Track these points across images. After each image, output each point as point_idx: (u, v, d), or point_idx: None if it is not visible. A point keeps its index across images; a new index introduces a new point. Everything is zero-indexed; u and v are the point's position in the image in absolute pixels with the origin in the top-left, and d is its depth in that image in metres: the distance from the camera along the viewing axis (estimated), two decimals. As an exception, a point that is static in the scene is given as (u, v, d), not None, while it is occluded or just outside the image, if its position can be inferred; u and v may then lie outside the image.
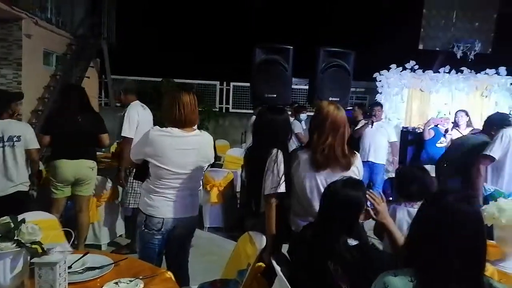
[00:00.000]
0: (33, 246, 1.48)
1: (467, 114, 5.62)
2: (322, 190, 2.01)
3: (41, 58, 8.37)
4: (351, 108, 8.08)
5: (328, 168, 2.13)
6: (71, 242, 1.86)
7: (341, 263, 1.71)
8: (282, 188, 2.25)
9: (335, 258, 1.72)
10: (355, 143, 5.87)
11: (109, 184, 4.03)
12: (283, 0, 12.06)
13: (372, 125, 5.53)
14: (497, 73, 6.98)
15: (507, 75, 6.96)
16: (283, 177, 2.25)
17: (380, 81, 7.00)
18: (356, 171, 2.19)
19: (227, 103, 9.46)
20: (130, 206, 3.84)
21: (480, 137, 3.66)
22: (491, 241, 2.16)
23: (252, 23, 12.01)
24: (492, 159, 3.20)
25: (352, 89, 8.85)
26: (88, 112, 3.63)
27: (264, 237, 2.17)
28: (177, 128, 2.32)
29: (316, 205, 2.04)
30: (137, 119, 3.74)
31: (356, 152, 2.26)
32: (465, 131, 5.47)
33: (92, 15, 9.53)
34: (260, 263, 2.03)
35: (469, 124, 5.64)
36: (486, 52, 7.17)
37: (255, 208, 2.42)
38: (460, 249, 1.15)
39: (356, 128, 5.64)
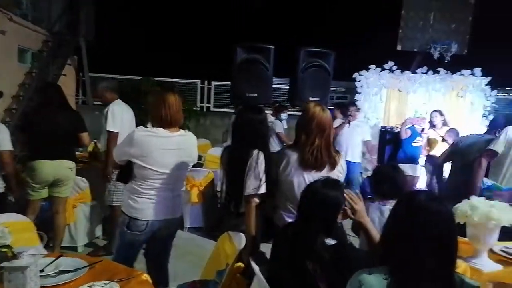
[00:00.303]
0: (3, 250, 1.44)
1: (441, 114, 5.77)
2: None
3: (16, 55, 8.12)
4: (332, 107, 8.19)
5: (316, 168, 2.24)
6: (44, 244, 1.81)
7: (319, 263, 1.72)
8: (263, 189, 2.30)
9: (313, 258, 1.73)
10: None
11: (85, 184, 3.95)
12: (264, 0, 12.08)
13: (349, 124, 5.62)
14: (473, 74, 7.17)
15: (482, 76, 7.16)
16: (264, 178, 2.30)
17: (359, 81, 7.09)
18: (341, 169, 2.33)
19: (208, 102, 9.39)
20: (113, 204, 3.75)
21: (485, 137, 3.67)
22: (464, 238, 2.22)
23: (233, 22, 11.98)
24: (495, 153, 3.23)
25: (333, 89, 8.98)
26: (66, 111, 3.54)
27: (243, 237, 2.17)
28: (162, 128, 2.31)
29: None
30: (121, 115, 3.70)
31: (340, 152, 2.37)
32: (441, 130, 5.62)
33: (70, 11, 9.29)
34: (239, 263, 2.03)
35: (444, 123, 5.79)
36: (462, 54, 7.36)
37: (234, 209, 2.42)
38: (432, 248, 1.18)
39: (335, 127, 5.71)
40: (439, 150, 5.50)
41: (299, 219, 1.91)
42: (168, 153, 2.32)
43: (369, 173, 6.27)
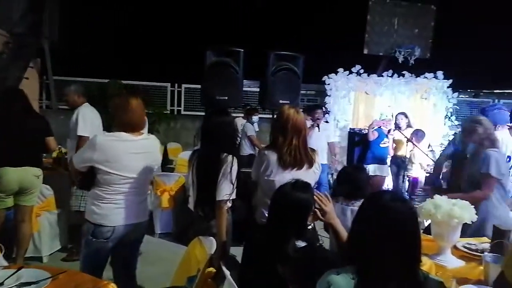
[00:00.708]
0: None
1: (406, 116, 5.97)
2: None
3: (-27, 57, 7.70)
4: (302, 110, 8.28)
5: (296, 166, 2.36)
6: (1, 255, 1.72)
7: (290, 265, 1.73)
8: (234, 195, 2.39)
9: (284, 261, 1.74)
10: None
11: (50, 192, 3.80)
12: (234, 3, 12.09)
13: (319, 128, 5.74)
14: (435, 77, 7.47)
15: (444, 78, 7.47)
16: (235, 184, 2.37)
17: (328, 84, 7.22)
18: (318, 166, 2.47)
19: (179, 105, 9.27)
20: (83, 210, 3.63)
21: None
22: (429, 235, 2.30)
23: (204, 25, 11.92)
24: None
25: (303, 92, 9.11)
26: (31, 115, 3.41)
27: (214, 241, 2.16)
28: (124, 132, 2.27)
29: None
30: (92, 119, 3.64)
31: (315, 150, 2.51)
32: (405, 132, 5.80)
33: (33, 12, 8.91)
34: (211, 268, 2.01)
35: (409, 125, 5.99)
36: (425, 57, 7.65)
37: (204, 213, 2.41)
38: (397, 246, 1.21)
39: None
40: (403, 150, 5.69)
41: (269, 222, 1.92)
42: (135, 157, 2.29)
43: (340, 175, 6.41)
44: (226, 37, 10.28)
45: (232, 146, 2.43)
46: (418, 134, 5.63)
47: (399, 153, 5.83)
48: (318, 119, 5.79)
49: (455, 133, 6.63)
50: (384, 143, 5.84)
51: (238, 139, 6.32)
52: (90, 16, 11.57)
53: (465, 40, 11.28)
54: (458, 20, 10.43)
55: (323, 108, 6.54)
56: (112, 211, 2.26)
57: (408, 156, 5.64)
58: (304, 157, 2.37)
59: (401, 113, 6.08)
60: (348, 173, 2.62)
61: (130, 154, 2.27)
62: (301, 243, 1.81)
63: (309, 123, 5.84)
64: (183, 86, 9.16)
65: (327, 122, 6.82)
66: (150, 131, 7.82)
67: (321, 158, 5.79)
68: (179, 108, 9.26)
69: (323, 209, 1.89)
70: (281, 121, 2.38)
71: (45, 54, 8.79)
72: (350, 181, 2.51)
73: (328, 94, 7.24)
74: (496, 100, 9.61)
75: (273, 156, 2.37)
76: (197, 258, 2.19)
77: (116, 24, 12.22)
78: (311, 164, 2.40)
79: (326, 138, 5.96)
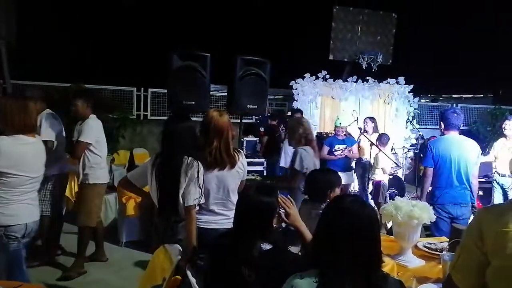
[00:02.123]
0: None
1: (372, 121, 6.13)
2: (215, 185, 2.42)
3: None
4: (270, 114, 8.34)
5: (218, 167, 2.43)
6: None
7: (255, 269, 1.72)
8: (203, 199, 2.37)
9: (249, 264, 1.73)
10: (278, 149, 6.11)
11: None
12: (201, 8, 12.05)
13: None
14: (397, 83, 7.77)
15: (405, 84, 7.78)
16: (203, 188, 2.35)
17: (296, 89, 7.33)
18: (242, 166, 2.54)
19: (145, 110, 9.06)
20: (43, 215, 3.49)
21: None
22: (392, 236, 2.38)
23: (170, 29, 11.78)
24: None
25: (271, 96, 9.19)
26: None
27: (180, 249, 2.12)
28: (22, 135, 2.37)
29: (211, 198, 2.42)
30: (55, 125, 3.62)
31: (241, 151, 2.62)
32: (372, 136, 5.96)
33: (-13, 12, 8.47)
34: (176, 276, 1.97)
35: (375, 129, 6.15)
36: (387, 64, 7.94)
37: (168, 220, 2.37)
38: (356, 248, 1.23)
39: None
40: (368, 154, 5.82)
41: (235, 226, 1.91)
42: (35, 158, 2.46)
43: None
44: (192, 41, 10.23)
45: (197, 150, 2.42)
46: (382, 138, 5.80)
47: (364, 156, 5.96)
48: None
49: None
50: (337, 150, 5.60)
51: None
52: (52, 16, 11.15)
53: (425, 47, 11.80)
54: (418, 28, 10.91)
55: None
56: (21, 210, 2.36)
57: (372, 160, 5.76)
58: (226, 158, 2.44)
59: (368, 117, 6.22)
60: (311, 176, 2.68)
61: (32, 155, 2.42)
62: (266, 246, 1.81)
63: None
64: (150, 90, 8.95)
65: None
66: (116, 137, 7.66)
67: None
68: (146, 113, 9.04)
69: (287, 211, 1.91)
70: (204, 124, 2.48)
71: (1, 57, 8.37)
72: (310, 184, 2.58)
73: (296, 99, 7.36)
74: (455, 104, 10.09)
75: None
76: (162, 266, 2.14)
77: (79, 26, 11.84)
78: (233, 165, 2.46)
79: None
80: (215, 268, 1.88)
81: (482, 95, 12.63)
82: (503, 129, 4.86)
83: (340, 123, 5.56)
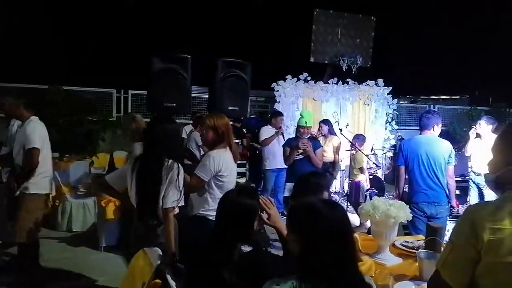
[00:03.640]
0: None
1: (325, 123, 6.12)
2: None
3: None
4: (254, 116, 8.35)
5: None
6: None
7: (235, 271, 1.73)
8: (182, 201, 2.36)
9: (229, 266, 1.73)
10: (259, 151, 6.12)
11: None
12: (183, 9, 11.97)
13: (283, 135, 5.81)
14: (376, 84, 7.91)
15: (384, 86, 7.93)
16: (183, 190, 2.33)
17: (277, 91, 7.37)
18: None
19: (126, 112, 8.92)
20: None
21: None
22: (370, 235, 2.42)
23: (151, 31, 11.66)
24: None
25: (253, 98, 9.19)
26: None
27: (159, 252, 2.10)
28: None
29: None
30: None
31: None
32: (329, 138, 5.99)
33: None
34: (156, 280, 1.96)
35: (331, 132, 6.08)
36: (367, 66, 8.07)
37: (148, 223, 2.35)
38: (330, 250, 1.25)
39: (266, 138, 5.84)
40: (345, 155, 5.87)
41: (216, 228, 1.91)
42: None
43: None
44: (174, 43, 10.15)
45: (177, 152, 2.41)
46: (360, 139, 5.88)
47: (325, 159, 5.89)
48: (280, 126, 5.88)
49: None
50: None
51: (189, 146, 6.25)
52: (28, 16, 10.87)
53: (404, 50, 12.05)
54: (397, 31, 11.13)
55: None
56: None
57: (348, 161, 5.80)
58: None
59: (322, 120, 6.21)
60: (299, 178, 2.65)
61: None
62: (247, 248, 1.82)
63: (273, 130, 5.91)
64: (130, 92, 8.83)
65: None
66: (95, 140, 7.52)
67: (283, 162, 5.92)
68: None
69: (267, 212, 1.92)
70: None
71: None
72: (299, 185, 2.56)
73: (277, 101, 7.40)
74: (432, 106, 10.34)
75: None
76: (141, 271, 2.12)
77: (57, 26, 11.57)
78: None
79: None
80: (195, 270, 1.87)
81: (458, 97, 12.98)
82: (476, 129, 5.03)
83: (305, 122, 4.50)
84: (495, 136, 1.26)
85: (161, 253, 2.11)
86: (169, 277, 1.93)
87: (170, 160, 2.34)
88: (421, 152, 3.49)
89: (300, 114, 4.80)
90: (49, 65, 10.17)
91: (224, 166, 2.58)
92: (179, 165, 2.35)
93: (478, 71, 11.39)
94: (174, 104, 4.38)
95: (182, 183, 2.35)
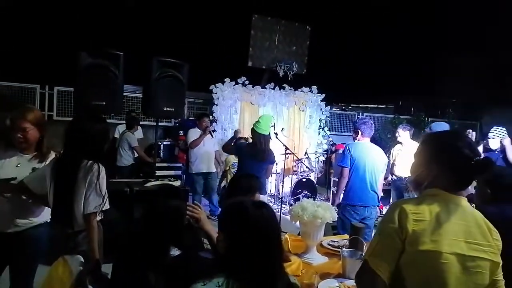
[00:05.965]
0: None
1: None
2: None
3: None
4: (192, 118, 8.22)
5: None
6: None
7: (163, 274, 1.68)
8: (107, 205, 2.23)
9: (157, 269, 1.68)
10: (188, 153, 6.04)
11: None
12: (118, 5, 11.45)
13: (211, 134, 5.80)
14: (311, 91, 8.24)
15: (318, 93, 8.29)
16: (106, 193, 2.20)
17: (216, 93, 7.35)
18: None
19: (51, 109, 8.27)
20: None
21: None
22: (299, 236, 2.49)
23: (82, 25, 10.99)
24: None
25: (192, 100, 9.07)
26: None
27: (81, 260, 1.98)
28: None
29: None
30: None
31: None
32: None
33: None
34: (77, 289, 1.84)
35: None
36: (302, 73, 8.36)
37: (61, 231, 2.19)
38: (255, 250, 1.27)
39: (194, 140, 5.76)
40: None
41: (143, 231, 1.85)
42: None
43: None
44: (107, 39, 9.68)
45: (98, 153, 2.26)
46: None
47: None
48: (206, 127, 5.84)
49: None
50: None
51: (119, 147, 5.96)
52: None
53: (336, 60, 12.69)
54: (330, 41, 11.69)
55: (210, 116, 6.60)
56: None
57: (283, 165, 5.95)
58: None
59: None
60: (232, 180, 2.69)
61: None
62: (176, 251, 1.78)
63: (199, 132, 5.84)
64: (56, 88, 8.20)
65: (214, 130, 6.92)
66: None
67: (211, 166, 5.96)
68: (51, 113, 8.27)
69: (195, 216, 1.90)
70: None
71: None
72: (232, 187, 2.58)
73: (216, 103, 7.37)
74: (361, 113, 11.01)
75: None
76: (61, 279, 1.97)
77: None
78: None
79: (213, 147, 6.11)
80: (120, 275, 1.79)
81: (384, 105, 13.96)
82: (397, 136, 5.48)
83: (263, 130, 4.27)
84: (413, 142, 1.43)
85: (82, 260, 1.98)
86: (90, 287, 1.82)
87: (90, 161, 2.19)
88: (369, 158, 3.71)
89: (259, 120, 4.48)
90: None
91: None
92: (100, 166, 2.21)
93: (402, 83, 12.37)
94: (104, 103, 4.15)
95: (105, 186, 2.21)
